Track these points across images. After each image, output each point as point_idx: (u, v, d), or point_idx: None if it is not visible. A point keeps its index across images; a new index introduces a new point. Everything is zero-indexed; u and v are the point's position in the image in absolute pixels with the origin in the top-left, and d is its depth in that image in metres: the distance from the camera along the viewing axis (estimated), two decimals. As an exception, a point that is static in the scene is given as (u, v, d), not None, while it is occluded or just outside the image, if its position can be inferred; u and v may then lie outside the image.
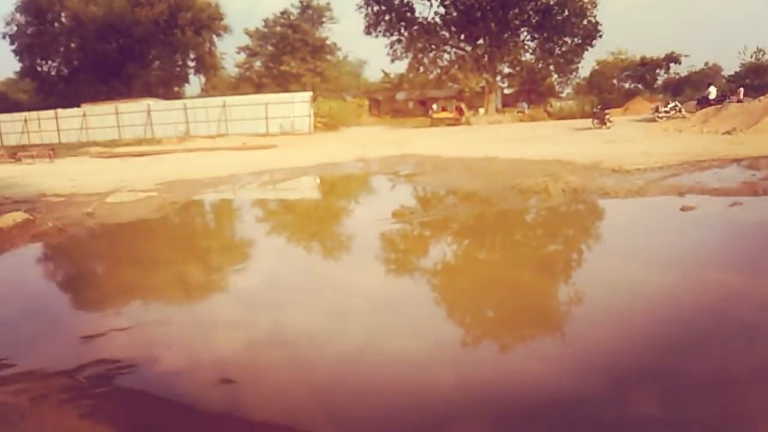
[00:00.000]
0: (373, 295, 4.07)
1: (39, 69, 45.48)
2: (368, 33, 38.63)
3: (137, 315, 3.85)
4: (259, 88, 42.51)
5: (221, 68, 49.51)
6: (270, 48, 45.86)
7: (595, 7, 35.03)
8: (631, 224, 6.37)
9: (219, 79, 48.77)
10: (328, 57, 46.40)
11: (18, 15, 43.41)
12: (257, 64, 47.58)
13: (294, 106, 31.02)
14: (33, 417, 2.44)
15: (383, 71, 48.93)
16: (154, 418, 2.55)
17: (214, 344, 3.21)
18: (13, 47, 43.96)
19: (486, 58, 36.53)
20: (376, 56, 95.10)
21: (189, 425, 2.55)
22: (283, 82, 42.69)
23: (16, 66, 46.38)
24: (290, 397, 2.69)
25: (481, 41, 36.67)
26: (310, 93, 32.91)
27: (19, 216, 7.10)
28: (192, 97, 41.10)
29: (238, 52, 48.16)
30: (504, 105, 41.54)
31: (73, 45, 44.21)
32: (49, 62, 45.75)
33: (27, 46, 43.78)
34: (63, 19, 44.09)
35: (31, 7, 42.75)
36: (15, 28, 43.68)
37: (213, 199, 10.04)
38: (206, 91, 46.97)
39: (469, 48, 37.39)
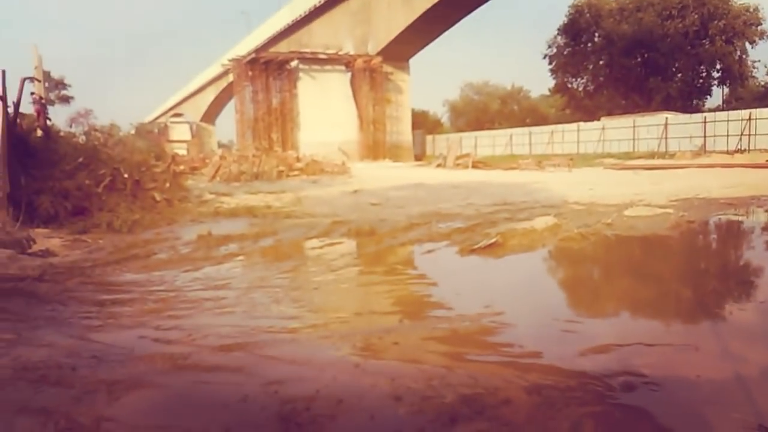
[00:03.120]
0: None
1: (569, 86, 52.17)
2: None
3: (655, 333, 3.75)
4: (794, 98, 37.37)
5: (751, 77, 45.42)
6: (819, 50, 39.33)
7: None
8: None
9: (745, 90, 44.96)
10: None
11: (559, 38, 50.44)
12: (796, 70, 41.62)
13: (843, 119, 26.36)
14: (564, 411, 2.56)
15: None
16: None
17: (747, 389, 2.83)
18: (550, 66, 51.89)
19: None
20: None
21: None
22: (831, 89, 36.17)
23: (549, 84, 54.70)
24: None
25: None
26: None
27: (550, 220, 7.80)
28: (712, 110, 39.39)
29: (774, 58, 43.11)
30: None
31: (601, 62, 48.84)
32: (578, 79, 51.85)
33: (562, 65, 51.16)
34: (595, 39, 48.75)
35: (571, 30, 49.10)
36: (554, 50, 50.93)
37: (730, 220, 9.63)
38: (728, 103, 44.20)
39: None
